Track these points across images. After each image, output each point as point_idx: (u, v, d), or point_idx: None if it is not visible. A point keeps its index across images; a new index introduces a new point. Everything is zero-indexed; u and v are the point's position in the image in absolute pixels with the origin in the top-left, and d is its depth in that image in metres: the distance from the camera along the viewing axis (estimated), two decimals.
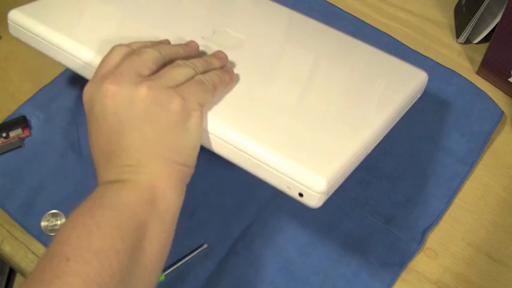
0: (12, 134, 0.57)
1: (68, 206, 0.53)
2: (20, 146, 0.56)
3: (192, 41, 0.47)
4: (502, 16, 0.55)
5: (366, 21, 0.66)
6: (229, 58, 0.47)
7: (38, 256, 0.51)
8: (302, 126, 0.43)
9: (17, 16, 0.51)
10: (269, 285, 0.49)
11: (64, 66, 0.50)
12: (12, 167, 0.55)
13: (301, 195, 0.40)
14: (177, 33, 0.50)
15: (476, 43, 0.64)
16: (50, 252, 0.34)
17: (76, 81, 0.61)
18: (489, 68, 0.61)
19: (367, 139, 0.44)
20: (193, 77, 0.42)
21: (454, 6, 0.67)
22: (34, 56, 0.64)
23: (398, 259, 0.50)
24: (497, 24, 0.57)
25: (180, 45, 0.46)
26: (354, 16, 0.66)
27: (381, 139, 0.46)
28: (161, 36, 0.47)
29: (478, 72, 0.62)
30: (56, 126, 0.57)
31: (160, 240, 0.37)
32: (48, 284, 0.32)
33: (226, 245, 0.51)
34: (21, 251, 0.51)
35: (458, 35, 0.64)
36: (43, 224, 0.52)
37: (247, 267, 0.50)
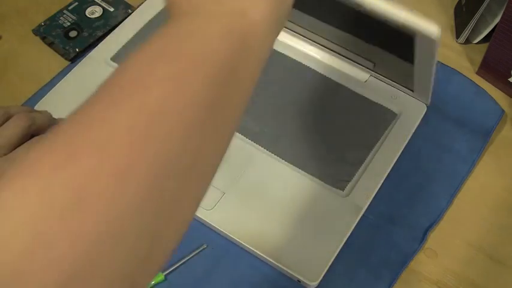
0: None
1: None
2: None
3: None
4: (502, 16, 0.55)
5: None
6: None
7: None
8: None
9: None
10: (271, 285, 0.49)
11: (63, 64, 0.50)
12: None
13: (299, 281, 0.48)
14: None
15: (476, 43, 0.64)
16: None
17: None
18: (489, 68, 0.61)
19: (356, 220, 0.50)
20: None
21: (454, 6, 0.67)
22: (34, 56, 0.64)
23: (399, 258, 0.50)
24: (497, 24, 0.57)
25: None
26: None
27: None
28: None
29: (478, 73, 0.62)
30: None
31: (252, 73, 0.29)
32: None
33: (226, 244, 0.51)
34: None
35: (458, 35, 0.64)
36: None
37: (247, 267, 0.50)
